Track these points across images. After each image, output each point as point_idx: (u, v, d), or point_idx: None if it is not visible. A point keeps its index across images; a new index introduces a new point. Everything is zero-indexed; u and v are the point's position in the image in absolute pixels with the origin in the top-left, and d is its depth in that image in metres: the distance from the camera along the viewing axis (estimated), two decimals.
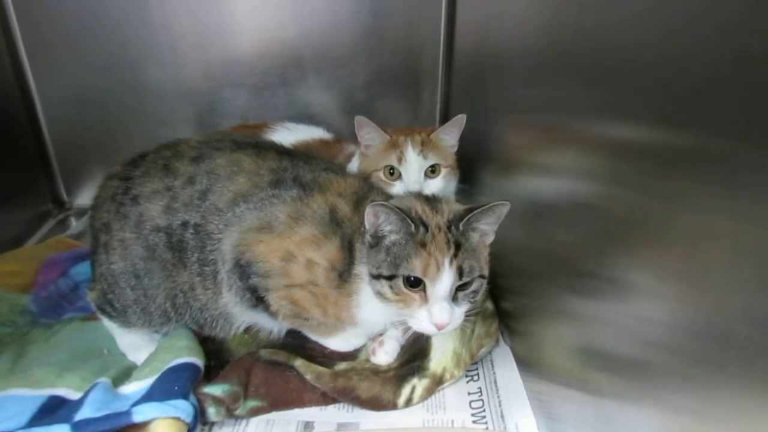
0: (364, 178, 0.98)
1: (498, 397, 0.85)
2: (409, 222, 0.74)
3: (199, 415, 0.76)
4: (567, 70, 0.72)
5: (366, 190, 0.87)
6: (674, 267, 0.49)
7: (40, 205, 1.43)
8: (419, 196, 0.83)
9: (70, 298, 1.02)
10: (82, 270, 1.06)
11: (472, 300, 0.78)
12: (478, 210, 0.75)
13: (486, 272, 0.79)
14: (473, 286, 0.77)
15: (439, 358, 0.87)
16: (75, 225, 1.40)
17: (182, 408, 0.71)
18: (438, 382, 0.85)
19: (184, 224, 0.81)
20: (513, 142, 0.99)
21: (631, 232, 0.56)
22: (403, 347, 0.91)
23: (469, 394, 0.87)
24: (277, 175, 0.83)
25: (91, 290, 0.89)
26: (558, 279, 0.77)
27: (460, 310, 0.77)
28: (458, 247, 0.75)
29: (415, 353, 0.89)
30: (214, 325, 0.88)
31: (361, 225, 0.79)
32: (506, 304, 0.98)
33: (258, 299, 0.83)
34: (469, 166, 1.19)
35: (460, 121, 1.12)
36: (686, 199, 0.47)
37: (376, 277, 0.76)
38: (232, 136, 0.96)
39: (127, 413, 0.70)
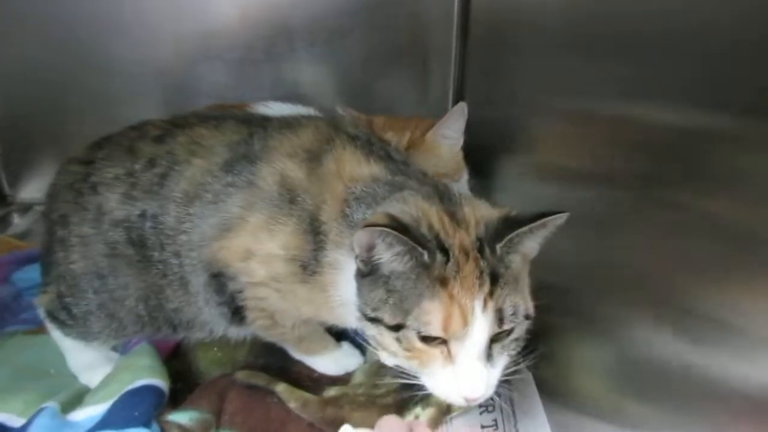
0: (327, 122, 0.89)
1: (516, 428, 0.86)
2: (421, 250, 0.63)
3: None
4: (604, 44, 0.72)
5: (324, 141, 0.81)
6: (729, 283, 0.50)
7: None
8: (433, 193, 0.73)
9: (12, 309, 1.04)
10: (26, 276, 1.08)
11: (513, 351, 0.69)
12: (526, 228, 0.65)
13: (532, 309, 0.69)
14: (516, 333, 0.68)
15: None
16: (18, 222, 1.42)
17: None
18: (445, 411, 0.86)
19: (143, 215, 0.82)
20: (540, 130, 0.99)
21: (682, 238, 0.56)
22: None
23: (482, 427, 0.87)
24: (231, 152, 0.81)
25: (42, 293, 0.90)
26: (591, 292, 0.77)
27: (498, 368, 0.68)
28: (495, 279, 0.64)
29: None
30: (190, 326, 0.88)
31: (323, 194, 0.75)
32: None
33: (234, 313, 0.84)
34: (486, 157, 1.20)
35: (460, 110, 1.10)
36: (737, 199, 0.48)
37: (372, 320, 0.68)
38: (201, 111, 0.98)
39: None
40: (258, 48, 1.41)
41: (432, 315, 0.63)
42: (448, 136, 1.10)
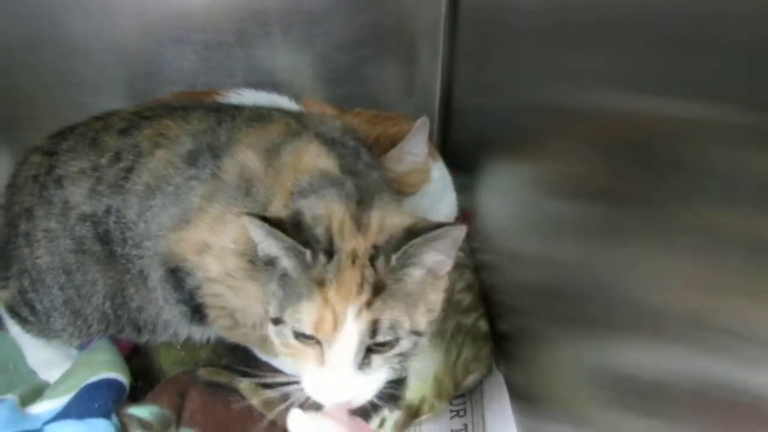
0: (298, 116, 1.00)
1: None
2: (302, 249, 0.73)
3: None
4: (603, 33, 0.74)
5: (290, 135, 0.91)
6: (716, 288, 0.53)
7: None
8: (355, 195, 0.82)
9: None
10: None
11: (398, 365, 0.78)
12: (419, 239, 0.72)
13: (423, 326, 0.77)
14: (399, 348, 0.76)
15: (418, 385, 1.00)
16: None
17: (103, 428, 0.86)
18: (414, 414, 0.98)
19: (108, 210, 0.93)
20: (531, 124, 1.04)
21: (672, 245, 0.59)
22: None
23: (452, 431, 1.01)
24: (195, 142, 0.93)
25: (2, 288, 1.02)
26: (575, 297, 0.83)
27: (375, 379, 0.77)
28: (380, 290, 0.73)
29: (388, 378, 1.03)
30: (153, 328, 1.01)
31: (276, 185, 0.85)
32: (503, 324, 1.11)
33: (194, 311, 0.97)
34: (472, 152, 1.31)
35: (423, 125, 1.16)
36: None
37: (266, 312, 0.79)
38: (170, 102, 1.11)
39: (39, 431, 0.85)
40: (229, 31, 1.51)
41: (304, 314, 0.73)
42: (412, 152, 1.18)
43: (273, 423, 0.96)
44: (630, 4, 0.66)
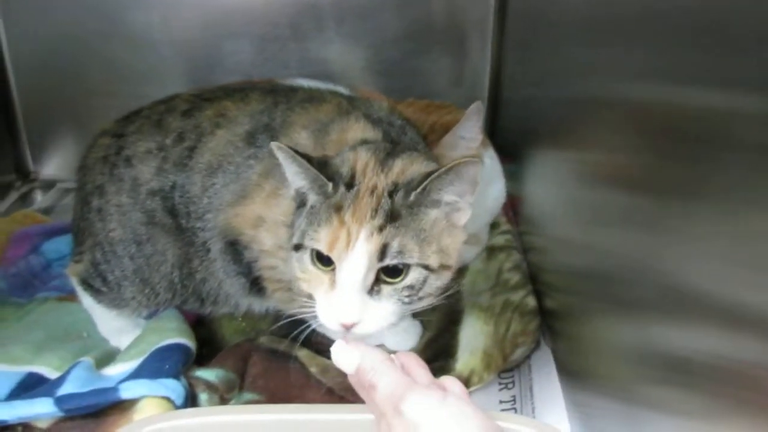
0: (349, 98, 1.06)
1: (532, 404, 1.02)
2: (323, 178, 0.78)
3: (190, 400, 0.95)
4: (653, 25, 0.73)
5: (338, 114, 0.97)
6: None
7: (1, 175, 1.66)
8: (380, 147, 0.86)
9: (42, 277, 1.25)
10: (54, 247, 1.29)
11: (407, 298, 0.80)
12: (435, 174, 0.76)
13: (433, 262, 0.79)
14: (408, 279, 0.78)
15: (467, 358, 1.04)
16: (41, 199, 1.64)
17: (173, 388, 0.92)
18: (464, 385, 1.03)
19: (173, 186, 1.00)
20: (577, 115, 1.06)
21: (708, 231, 0.60)
22: (425, 344, 1.09)
23: (500, 402, 1.03)
24: (253, 122, 0.99)
25: (76, 262, 1.09)
26: (612, 278, 0.86)
27: (383, 308, 0.79)
28: (393, 219, 0.77)
29: (438, 351, 1.07)
30: (215, 300, 1.07)
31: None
32: (550, 302, 1.15)
33: (252, 283, 1.02)
34: (520, 142, 1.35)
35: (476, 110, 1.16)
36: None
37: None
38: (229, 84, 1.16)
39: (114, 389, 0.90)
40: (284, 25, 1.58)
41: (322, 233, 0.77)
42: (467, 137, 1.18)
43: (330, 389, 1.01)
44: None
